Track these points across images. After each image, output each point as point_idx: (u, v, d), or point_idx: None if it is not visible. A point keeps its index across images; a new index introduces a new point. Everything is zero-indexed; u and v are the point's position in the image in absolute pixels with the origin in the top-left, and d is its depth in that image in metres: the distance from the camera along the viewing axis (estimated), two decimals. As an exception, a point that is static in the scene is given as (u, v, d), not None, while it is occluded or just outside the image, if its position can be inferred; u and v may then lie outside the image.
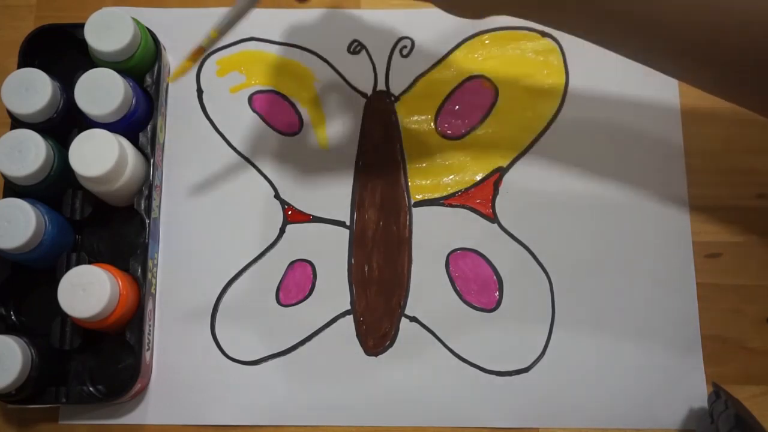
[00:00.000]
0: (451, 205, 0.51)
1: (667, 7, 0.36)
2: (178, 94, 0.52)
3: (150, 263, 0.48)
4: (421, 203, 0.51)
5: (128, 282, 0.45)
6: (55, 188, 0.47)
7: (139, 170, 0.48)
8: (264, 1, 0.54)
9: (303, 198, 0.51)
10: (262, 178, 0.51)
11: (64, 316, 0.45)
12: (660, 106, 0.52)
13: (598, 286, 0.49)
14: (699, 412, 0.47)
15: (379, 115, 0.52)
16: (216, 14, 0.53)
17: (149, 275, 0.47)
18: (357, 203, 0.51)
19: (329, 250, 0.50)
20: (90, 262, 0.46)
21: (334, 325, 0.49)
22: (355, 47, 0.53)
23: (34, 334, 0.46)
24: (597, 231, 0.50)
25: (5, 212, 0.44)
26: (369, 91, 0.53)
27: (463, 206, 0.51)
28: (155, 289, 0.49)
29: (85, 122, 0.47)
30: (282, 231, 0.50)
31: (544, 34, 0.53)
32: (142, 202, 0.48)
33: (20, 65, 0.50)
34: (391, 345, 0.48)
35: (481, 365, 0.48)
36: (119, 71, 0.47)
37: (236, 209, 0.50)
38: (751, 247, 0.50)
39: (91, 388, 0.46)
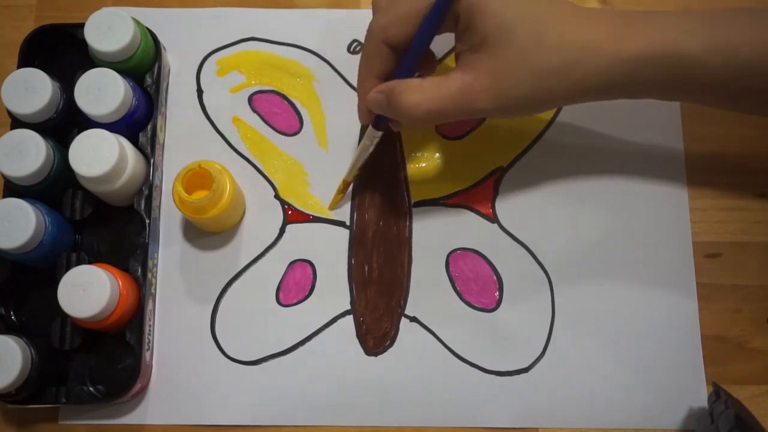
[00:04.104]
0: (451, 205, 0.51)
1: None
2: (178, 94, 0.52)
3: (150, 263, 0.48)
4: (421, 203, 0.51)
5: (128, 282, 0.45)
6: (55, 188, 0.47)
7: (139, 170, 0.48)
8: (264, 2, 0.54)
9: (303, 198, 0.51)
10: (262, 178, 0.51)
11: (64, 316, 0.45)
12: (660, 106, 0.52)
13: (598, 286, 0.49)
14: (699, 412, 0.47)
15: (379, 115, 0.52)
16: (215, 14, 0.54)
17: (149, 275, 0.47)
18: (357, 203, 0.51)
19: (329, 250, 0.50)
20: (90, 262, 0.46)
21: (334, 325, 0.49)
22: (355, 47, 0.53)
23: (34, 334, 0.46)
24: (597, 231, 0.50)
25: (5, 212, 0.44)
26: (369, 91, 0.53)
27: (463, 206, 0.51)
28: (155, 289, 0.49)
29: (85, 122, 0.47)
30: (282, 231, 0.50)
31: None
32: (142, 202, 0.48)
33: (20, 65, 0.50)
34: (391, 345, 0.48)
35: (481, 365, 0.48)
36: (119, 71, 0.47)
37: (236, 209, 0.50)
38: (751, 247, 0.50)
39: (91, 388, 0.46)
